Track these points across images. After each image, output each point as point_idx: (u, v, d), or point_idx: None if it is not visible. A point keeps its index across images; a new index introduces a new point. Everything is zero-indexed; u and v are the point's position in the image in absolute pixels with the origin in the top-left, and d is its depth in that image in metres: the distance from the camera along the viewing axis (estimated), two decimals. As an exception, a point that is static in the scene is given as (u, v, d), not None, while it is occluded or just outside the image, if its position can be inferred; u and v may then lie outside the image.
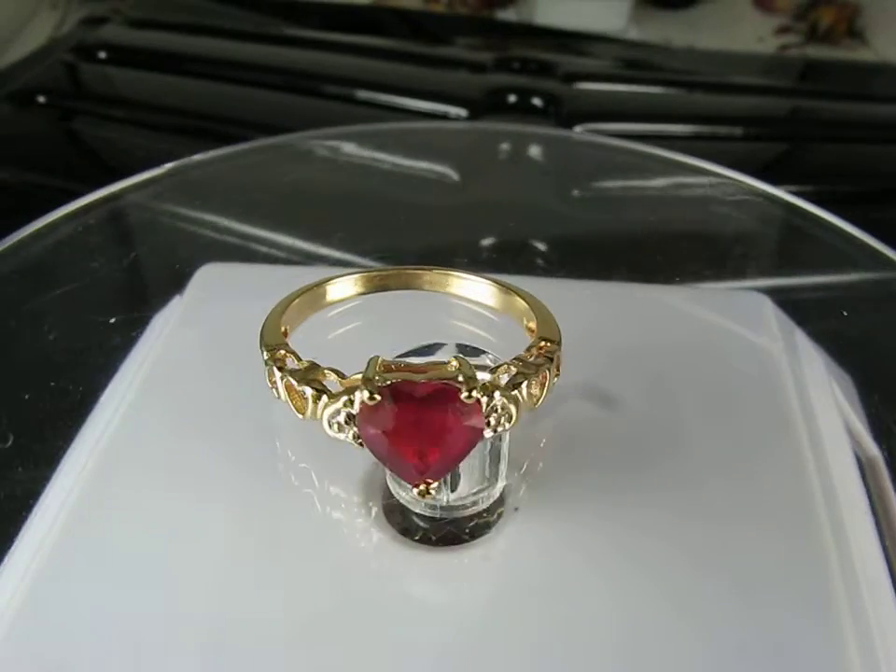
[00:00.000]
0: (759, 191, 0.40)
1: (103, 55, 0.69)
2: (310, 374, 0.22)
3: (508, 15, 1.05)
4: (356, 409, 0.20)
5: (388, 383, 0.20)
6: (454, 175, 0.46)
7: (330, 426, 0.21)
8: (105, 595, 0.22)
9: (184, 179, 0.40)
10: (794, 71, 0.86)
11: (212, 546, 0.23)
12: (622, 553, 0.23)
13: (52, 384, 0.30)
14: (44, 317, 0.33)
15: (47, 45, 0.75)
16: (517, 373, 0.21)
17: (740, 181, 0.40)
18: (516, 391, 0.21)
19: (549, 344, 0.23)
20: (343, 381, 0.21)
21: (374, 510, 0.23)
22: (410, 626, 0.21)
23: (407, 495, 0.23)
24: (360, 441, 0.21)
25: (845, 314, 0.33)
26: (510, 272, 0.31)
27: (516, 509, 0.23)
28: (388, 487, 0.24)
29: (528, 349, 0.23)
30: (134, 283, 0.36)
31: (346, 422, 0.21)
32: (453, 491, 0.22)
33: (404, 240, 0.40)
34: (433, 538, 0.23)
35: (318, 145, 0.46)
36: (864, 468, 0.28)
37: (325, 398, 0.21)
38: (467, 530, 0.23)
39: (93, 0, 0.95)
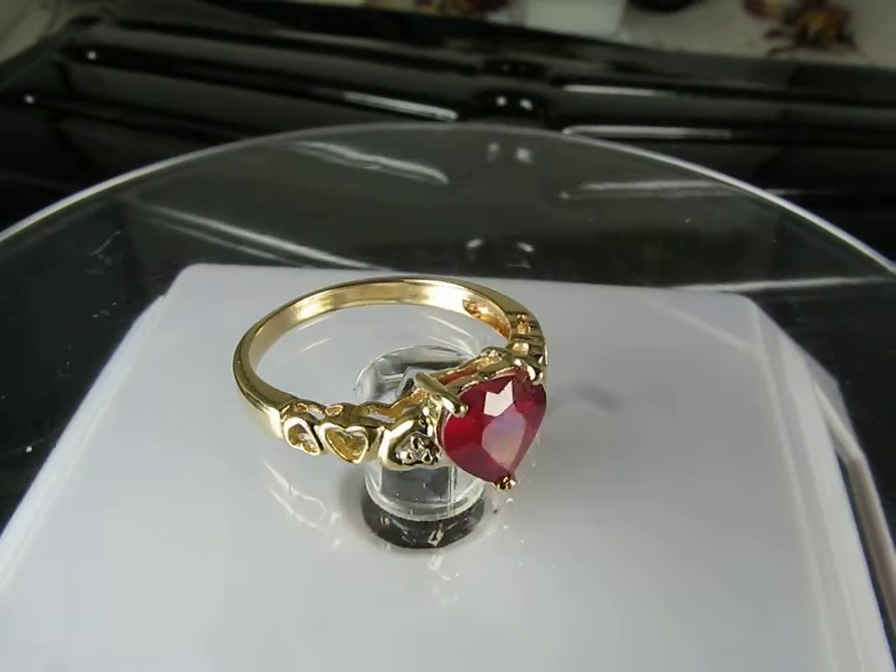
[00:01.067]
0: (747, 195, 0.40)
1: (93, 55, 0.68)
2: (354, 414, 0.20)
3: (499, 17, 1.05)
4: (430, 430, 0.20)
5: (460, 390, 0.20)
6: (441, 176, 0.46)
7: (396, 457, 0.20)
8: (83, 598, 0.21)
9: (169, 180, 0.40)
10: (784, 75, 0.86)
11: (190, 549, 0.23)
12: (603, 554, 0.23)
13: (33, 385, 0.30)
14: (25, 318, 0.32)
15: (36, 45, 0.74)
16: (530, 347, 0.21)
17: (729, 184, 0.40)
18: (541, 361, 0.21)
19: (524, 316, 0.23)
20: (388, 409, 0.21)
21: (353, 513, 0.23)
22: (388, 629, 0.21)
23: (387, 499, 0.23)
24: (433, 458, 0.20)
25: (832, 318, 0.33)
26: (496, 274, 0.31)
27: (496, 511, 0.23)
28: (366, 491, 0.24)
29: (513, 326, 0.23)
30: (117, 284, 0.36)
31: (418, 445, 0.20)
32: (436, 494, 0.22)
33: (391, 242, 0.40)
34: (412, 541, 0.23)
35: (305, 146, 0.46)
36: (847, 471, 0.28)
37: (383, 430, 0.20)
38: (446, 533, 0.23)
39: (84, 0, 0.95)
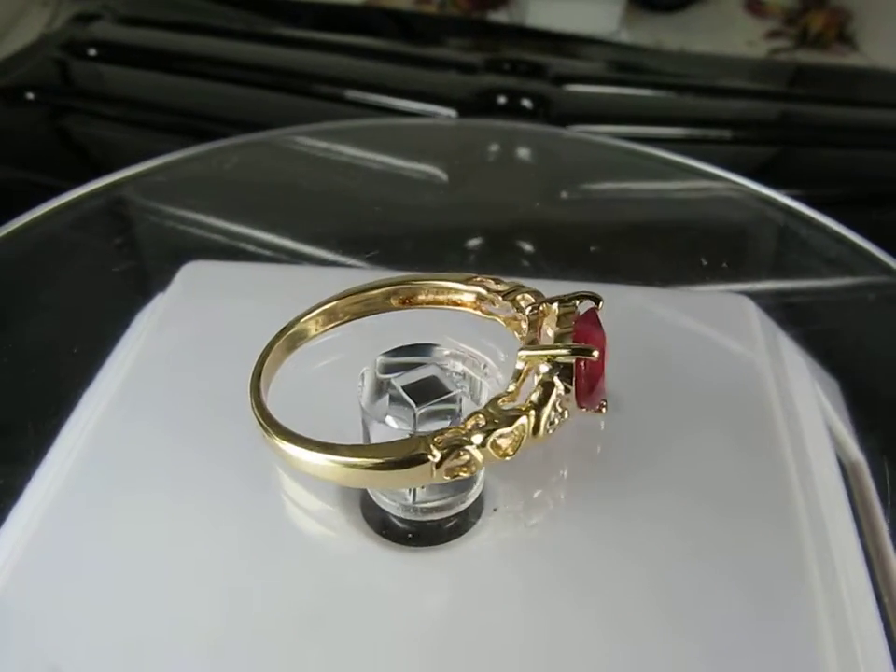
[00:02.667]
0: (750, 192, 0.40)
1: (93, 52, 0.68)
2: (501, 416, 0.21)
3: (499, 16, 1.05)
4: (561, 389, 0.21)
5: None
6: (441, 173, 0.46)
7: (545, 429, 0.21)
8: (81, 598, 0.21)
9: (169, 176, 0.40)
10: (785, 75, 0.86)
11: (189, 548, 0.23)
12: (601, 553, 0.23)
13: (33, 381, 0.29)
14: (23, 314, 0.32)
15: (37, 41, 0.74)
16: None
17: (732, 181, 0.40)
18: None
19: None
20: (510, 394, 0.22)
21: (353, 510, 0.23)
22: (389, 626, 0.21)
23: (386, 498, 0.23)
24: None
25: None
26: (496, 273, 0.31)
27: (495, 509, 0.23)
28: (365, 489, 0.23)
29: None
30: (117, 280, 0.36)
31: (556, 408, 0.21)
32: (435, 493, 0.22)
33: (391, 239, 0.40)
34: (411, 538, 0.23)
35: (305, 142, 0.46)
36: (848, 472, 0.28)
37: (527, 418, 0.21)
38: (445, 531, 0.23)
39: (84, -3, 0.95)
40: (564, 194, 0.46)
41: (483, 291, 0.25)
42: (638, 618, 0.21)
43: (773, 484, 0.25)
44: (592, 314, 0.23)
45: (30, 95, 0.62)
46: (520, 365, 0.22)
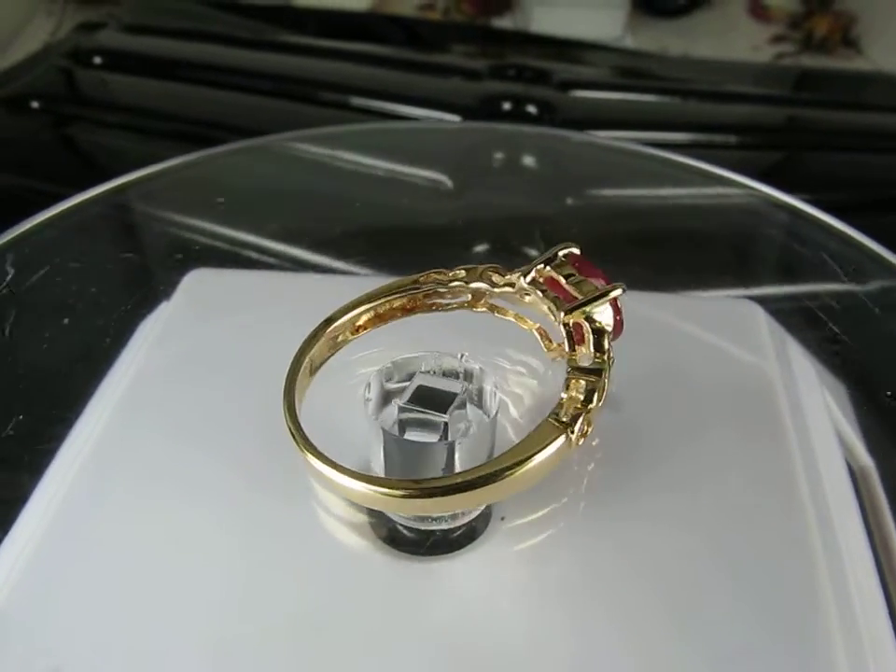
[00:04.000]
0: (759, 195, 0.40)
1: (98, 60, 0.69)
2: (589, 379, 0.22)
3: (504, 23, 1.05)
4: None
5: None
6: (446, 179, 0.46)
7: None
8: (85, 602, 0.21)
9: (172, 182, 0.40)
10: (790, 80, 0.86)
11: (193, 554, 0.22)
12: (608, 561, 0.22)
13: (38, 389, 0.29)
14: (27, 322, 0.32)
15: (42, 50, 0.75)
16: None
17: (740, 183, 0.40)
18: None
19: None
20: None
21: (358, 519, 0.23)
22: (396, 636, 0.21)
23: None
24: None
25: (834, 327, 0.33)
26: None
27: (502, 518, 0.23)
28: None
29: None
30: (119, 287, 0.36)
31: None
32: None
33: (397, 245, 0.40)
34: (419, 548, 0.23)
35: (308, 148, 0.46)
36: (857, 477, 0.28)
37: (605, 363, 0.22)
38: (453, 541, 0.23)
39: (89, 6, 0.96)
40: (569, 200, 0.46)
41: (486, 286, 0.26)
42: (648, 626, 0.21)
43: (782, 489, 0.25)
44: (575, 257, 0.25)
45: (35, 103, 0.62)
46: (565, 328, 0.24)
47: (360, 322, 0.25)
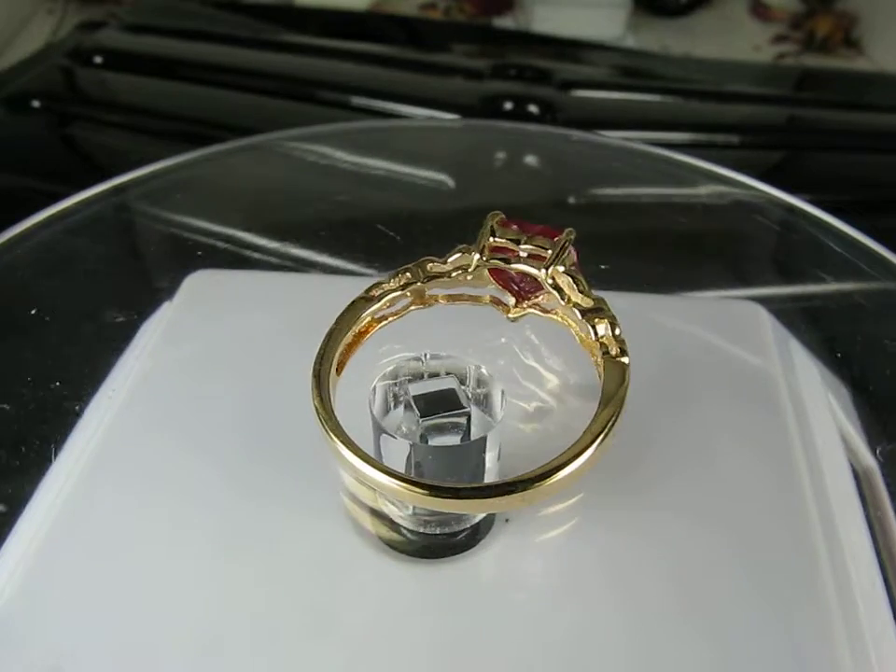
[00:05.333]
0: (759, 195, 0.40)
1: (99, 60, 0.68)
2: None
3: (505, 22, 1.05)
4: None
5: None
6: (448, 178, 0.46)
7: None
8: (86, 603, 0.21)
9: (171, 182, 0.40)
10: (791, 79, 0.86)
11: (194, 556, 0.22)
12: (612, 563, 0.22)
13: (39, 391, 0.29)
14: (28, 323, 0.32)
15: (43, 49, 0.75)
16: None
17: (744, 183, 0.40)
18: None
19: None
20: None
21: (363, 522, 0.23)
22: (398, 639, 0.21)
23: (397, 509, 0.23)
24: None
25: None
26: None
27: (507, 520, 0.23)
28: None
29: None
30: (120, 288, 0.36)
31: None
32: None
33: (399, 245, 0.40)
34: (422, 551, 0.23)
35: (309, 147, 0.45)
36: (860, 478, 0.28)
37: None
38: (457, 543, 0.23)
39: (90, 5, 0.95)
40: (571, 198, 0.46)
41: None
42: (655, 627, 0.21)
43: (786, 490, 0.25)
44: (508, 221, 0.26)
45: (36, 103, 0.62)
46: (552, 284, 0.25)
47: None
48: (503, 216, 0.26)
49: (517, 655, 0.21)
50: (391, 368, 0.23)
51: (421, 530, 0.23)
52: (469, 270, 0.25)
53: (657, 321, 0.30)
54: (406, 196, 0.45)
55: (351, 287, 0.26)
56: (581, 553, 0.23)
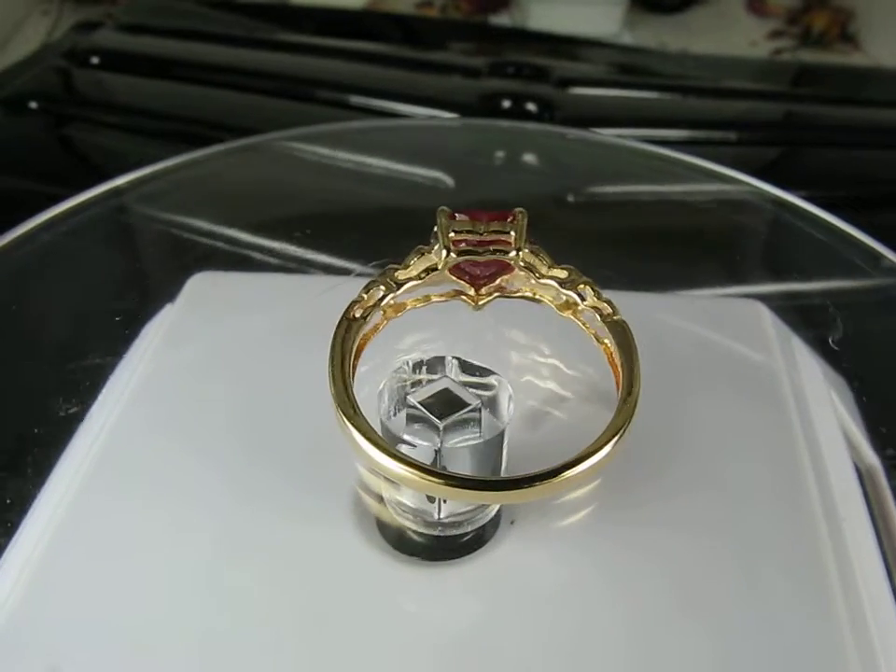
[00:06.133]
0: (758, 192, 0.40)
1: (95, 60, 0.68)
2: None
3: (501, 20, 1.05)
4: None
5: None
6: (447, 177, 0.46)
7: None
8: (89, 606, 0.21)
9: (171, 183, 0.40)
10: (788, 75, 0.86)
11: (197, 559, 0.22)
12: (618, 564, 0.22)
13: (42, 392, 0.29)
14: (29, 325, 0.32)
15: (39, 50, 0.74)
16: None
17: (742, 181, 0.40)
18: None
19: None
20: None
21: (367, 525, 0.23)
22: (404, 641, 0.21)
23: (402, 511, 0.23)
24: None
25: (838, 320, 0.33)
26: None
27: (512, 522, 0.23)
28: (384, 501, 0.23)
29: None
30: (122, 290, 0.36)
31: None
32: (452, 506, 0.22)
33: (398, 245, 0.40)
34: (428, 553, 0.22)
35: (308, 147, 0.45)
36: (863, 476, 0.28)
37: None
38: (463, 545, 0.23)
39: (86, 5, 0.95)
40: (570, 197, 0.46)
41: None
42: (656, 630, 0.21)
43: (790, 488, 0.25)
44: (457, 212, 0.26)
45: (33, 104, 0.62)
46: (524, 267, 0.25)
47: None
48: (449, 210, 0.26)
49: (521, 657, 0.21)
50: (404, 366, 0.23)
51: (426, 532, 0.23)
52: (439, 269, 0.25)
53: (659, 320, 0.30)
54: (405, 195, 0.45)
55: (352, 289, 0.26)
56: (585, 554, 0.23)
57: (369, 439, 0.21)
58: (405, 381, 0.22)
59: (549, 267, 0.25)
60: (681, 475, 0.25)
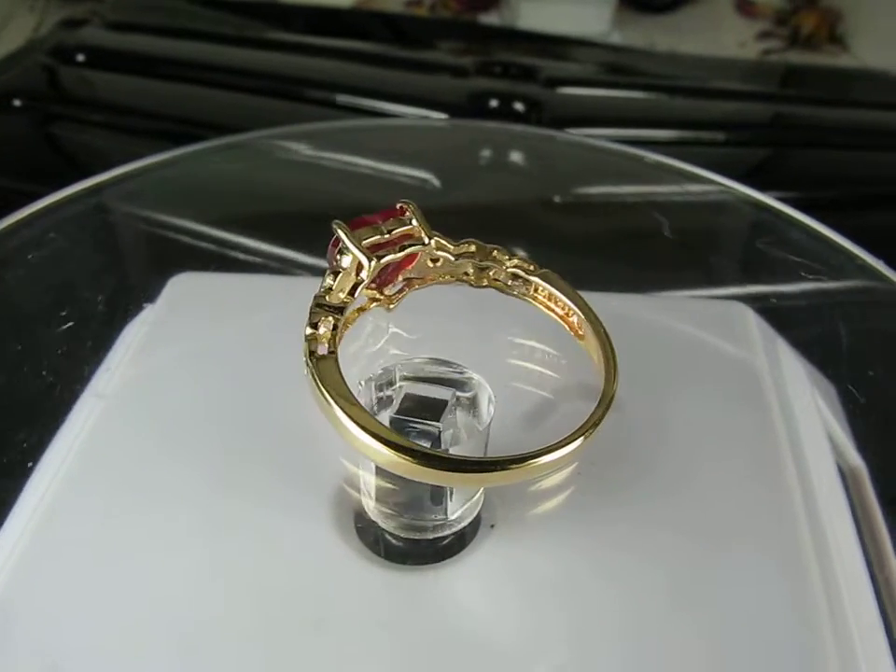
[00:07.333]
0: (742, 196, 0.40)
1: (81, 58, 0.68)
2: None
3: (490, 19, 1.05)
4: None
5: None
6: (433, 177, 0.46)
7: None
8: (79, 602, 0.21)
9: (152, 182, 0.39)
10: (776, 76, 0.86)
11: (184, 558, 0.22)
12: (597, 567, 0.22)
13: (20, 393, 0.29)
14: (9, 325, 0.32)
15: (24, 47, 0.74)
16: None
17: (725, 185, 0.40)
18: None
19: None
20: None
21: (346, 529, 0.23)
22: (383, 647, 0.21)
23: (381, 515, 0.23)
24: None
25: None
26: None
27: (492, 526, 0.23)
28: (362, 506, 0.23)
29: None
30: (102, 290, 0.36)
31: None
32: (432, 510, 0.22)
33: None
34: (407, 556, 0.22)
35: (292, 146, 0.45)
36: (847, 478, 0.28)
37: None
38: (441, 549, 0.22)
39: (72, 2, 0.95)
40: (557, 198, 0.46)
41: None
42: (641, 631, 0.21)
43: (773, 489, 0.25)
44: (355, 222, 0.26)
45: (17, 102, 0.62)
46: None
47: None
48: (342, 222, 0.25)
49: (502, 661, 0.20)
50: (382, 369, 0.23)
51: (405, 535, 0.22)
52: (367, 278, 0.25)
53: (645, 321, 0.30)
54: (391, 194, 0.45)
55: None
56: (565, 556, 0.22)
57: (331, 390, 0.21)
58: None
59: (455, 247, 0.26)
60: (664, 476, 0.25)
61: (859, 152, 0.63)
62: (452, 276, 0.27)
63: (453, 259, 0.26)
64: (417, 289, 0.27)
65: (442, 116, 0.61)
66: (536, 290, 0.27)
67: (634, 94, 0.69)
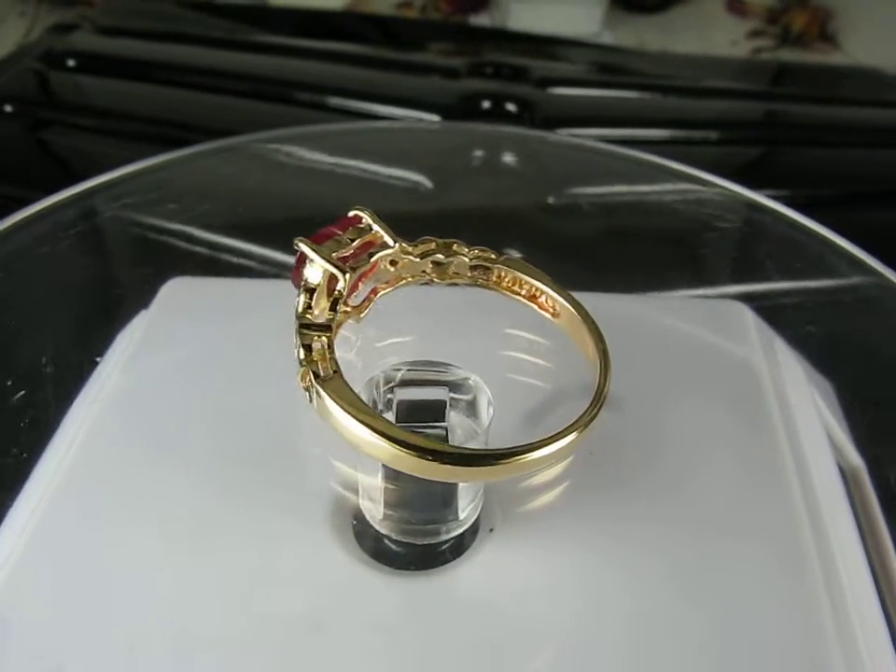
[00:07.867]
0: (735, 195, 0.40)
1: (72, 63, 0.68)
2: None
3: (481, 20, 1.05)
4: None
5: None
6: (426, 180, 0.46)
7: None
8: (78, 604, 0.21)
9: (146, 186, 0.39)
10: (768, 74, 0.86)
11: (177, 564, 0.22)
12: (598, 571, 0.22)
13: (12, 402, 0.29)
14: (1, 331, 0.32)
15: (15, 52, 0.74)
16: None
17: (717, 184, 0.40)
18: None
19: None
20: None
21: (344, 533, 0.23)
22: (382, 653, 0.20)
23: (380, 519, 0.22)
24: None
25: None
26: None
27: (491, 530, 0.23)
28: (361, 510, 0.23)
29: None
30: (95, 295, 0.35)
31: None
32: (425, 513, 0.22)
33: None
34: (406, 561, 0.22)
35: (285, 149, 0.45)
36: (847, 477, 0.28)
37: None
38: (441, 553, 0.22)
39: (62, 7, 0.95)
40: (551, 199, 0.46)
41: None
42: (641, 635, 0.21)
43: (774, 489, 0.25)
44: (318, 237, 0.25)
45: (8, 107, 0.61)
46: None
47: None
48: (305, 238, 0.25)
49: (502, 666, 0.20)
50: (380, 373, 0.23)
51: (404, 540, 0.22)
52: (345, 292, 0.24)
53: (642, 321, 0.30)
54: (384, 197, 0.45)
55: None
56: (565, 560, 0.22)
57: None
58: (380, 389, 0.22)
59: (415, 247, 0.26)
60: (663, 477, 0.25)
61: (852, 150, 0.63)
62: (413, 277, 0.27)
63: (417, 259, 0.26)
64: (382, 295, 0.26)
65: (434, 117, 0.61)
66: (500, 277, 0.27)
67: (626, 94, 0.69)
